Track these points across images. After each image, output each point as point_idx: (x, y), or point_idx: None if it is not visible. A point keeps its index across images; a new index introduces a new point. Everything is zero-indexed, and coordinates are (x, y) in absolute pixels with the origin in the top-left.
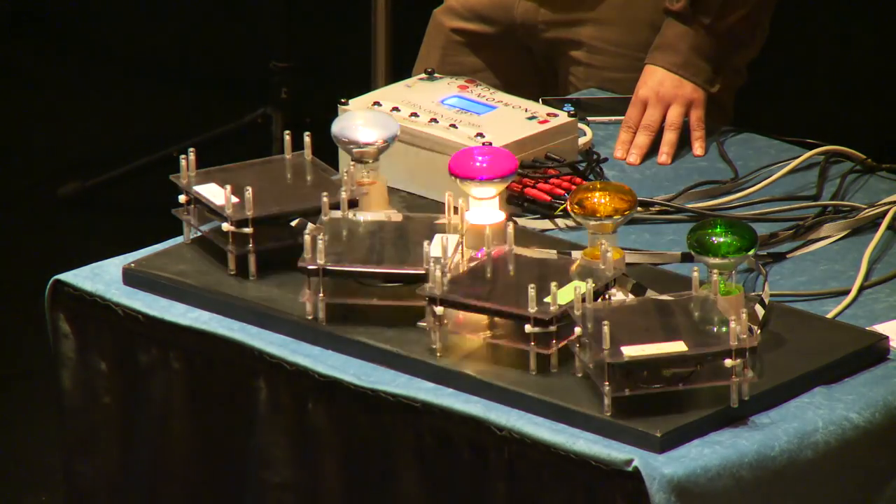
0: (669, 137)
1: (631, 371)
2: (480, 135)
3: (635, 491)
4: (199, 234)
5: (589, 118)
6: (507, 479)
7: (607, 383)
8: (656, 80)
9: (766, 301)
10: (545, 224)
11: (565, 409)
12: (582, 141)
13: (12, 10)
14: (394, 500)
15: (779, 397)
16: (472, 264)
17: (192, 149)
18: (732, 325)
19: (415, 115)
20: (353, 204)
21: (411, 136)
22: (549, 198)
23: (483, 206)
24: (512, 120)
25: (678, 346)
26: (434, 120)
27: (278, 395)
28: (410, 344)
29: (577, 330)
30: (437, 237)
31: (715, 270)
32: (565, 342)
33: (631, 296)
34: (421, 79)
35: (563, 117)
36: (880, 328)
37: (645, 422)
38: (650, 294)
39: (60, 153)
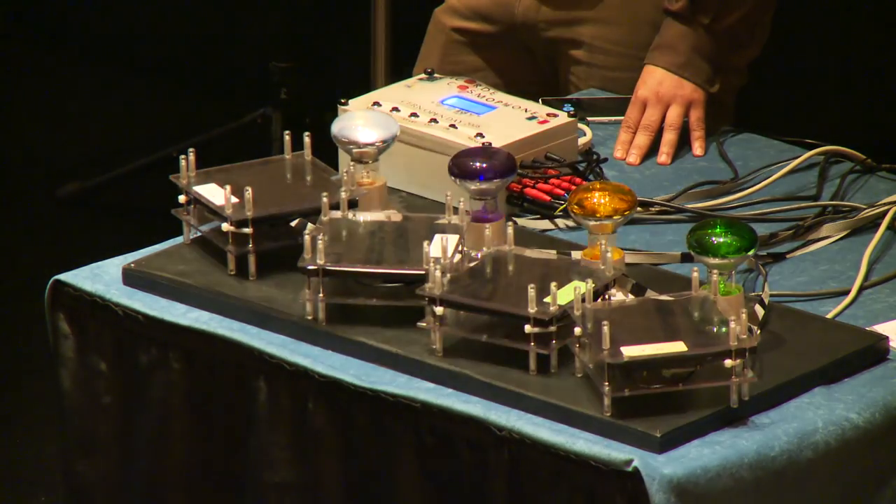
0: (669, 137)
1: (631, 371)
2: (480, 135)
3: (635, 491)
4: (199, 234)
5: (589, 118)
6: (507, 479)
7: (607, 383)
8: (656, 81)
9: (766, 301)
10: (545, 224)
11: (565, 409)
12: (582, 141)
13: (12, 10)
14: (394, 500)
15: (779, 397)
16: (472, 264)
17: (192, 149)
18: (732, 325)
19: (415, 115)
20: (353, 204)
21: (411, 136)
22: (548, 198)
23: (483, 206)
24: (512, 120)
25: (678, 347)
26: (434, 120)
27: (278, 395)
28: (410, 344)
29: (577, 330)
30: (437, 237)
31: (715, 270)
32: (565, 342)
33: (631, 296)
34: (421, 79)
35: (563, 117)
36: (880, 328)
37: (645, 422)
38: (650, 294)
39: (60, 153)
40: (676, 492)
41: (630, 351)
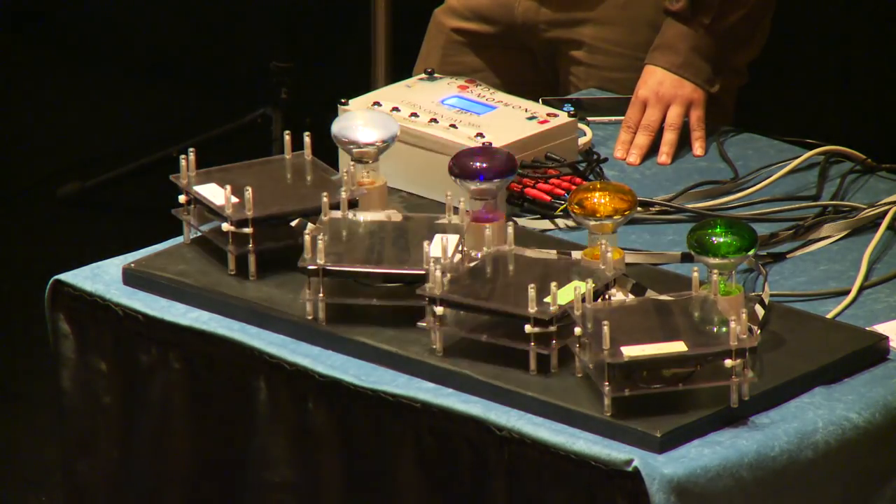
0: (669, 137)
1: (631, 371)
2: (480, 135)
3: (635, 491)
4: (199, 234)
5: (589, 118)
6: (507, 479)
7: (607, 383)
8: (656, 81)
9: (766, 301)
10: (545, 224)
11: (565, 409)
12: (582, 141)
13: (13, 10)
14: (394, 500)
15: (779, 397)
16: (472, 264)
17: (192, 149)
18: (732, 325)
19: (415, 115)
20: (353, 204)
21: (411, 136)
22: (549, 198)
23: (483, 206)
24: (512, 120)
25: (678, 346)
26: (434, 120)
27: (278, 395)
28: (410, 344)
29: (577, 330)
30: (437, 237)
31: (715, 270)
32: (565, 342)
33: (631, 296)
34: (421, 79)
35: (563, 117)
36: (880, 328)
37: (645, 422)
38: (650, 294)
39: (60, 153)
40: (676, 492)
41: (630, 351)
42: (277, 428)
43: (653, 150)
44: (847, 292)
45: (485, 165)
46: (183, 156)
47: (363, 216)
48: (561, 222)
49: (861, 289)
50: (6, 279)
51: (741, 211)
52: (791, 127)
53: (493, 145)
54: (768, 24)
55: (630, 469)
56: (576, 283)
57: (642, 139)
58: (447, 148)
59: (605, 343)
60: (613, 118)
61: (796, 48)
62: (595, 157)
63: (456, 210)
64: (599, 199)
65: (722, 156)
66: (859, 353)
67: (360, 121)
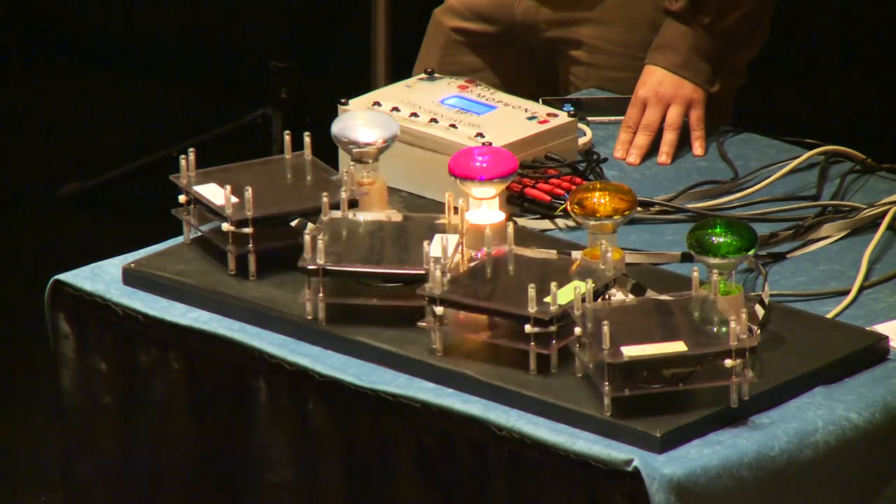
0: (669, 137)
1: (631, 371)
2: (480, 135)
3: (635, 491)
4: (199, 234)
5: (589, 118)
6: (507, 479)
7: (607, 383)
8: (656, 81)
9: (766, 301)
10: (545, 224)
11: (565, 409)
12: (582, 141)
13: (13, 11)
14: (394, 500)
15: (779, 397)
16: (472, 264)
17: (192, 149)
18: (732, 325)
19: (415, 115)
20: (353, 204)
21: (411, 136)
22: (549, 198)
23: (483, 206)
24: (512, 120)
25: (678, 346)
26: (434, 120)
27: (278, 395)
28: (410, 344)
29: (577, 330)
30: (437, 237)
31: (715, 270)
32: (565, 342)
33: (631, 296)
34: (421, 79)
35: (563, 117)
36: (880, 328)
37: (645, 422)
38: (650, 294)
39: (60, 153)
40: (676, 492)
41: (630, 351)
42: (277, 428)
43: (653, 150)
44: (847, 292)
45: (485, 165)
46: (183, 156)
47: (363, 216)
48: (561, 222)
49: (861, 289)
50: (6, 279)
51: (741, 211)
52: (791, 127)
53: (493, 145)
54: (768, 23)
55: (630, 469)
56: (576, 283)
57: (642, 139)
58: (447, 148)
59: (605, 343)
60: (613, 118)
61: (796, 48)
62: (595, 157)
63: (456, 210)
64: (599, 199)
65: (722, 156)
66: (859, 353)
67: (360, 121)
